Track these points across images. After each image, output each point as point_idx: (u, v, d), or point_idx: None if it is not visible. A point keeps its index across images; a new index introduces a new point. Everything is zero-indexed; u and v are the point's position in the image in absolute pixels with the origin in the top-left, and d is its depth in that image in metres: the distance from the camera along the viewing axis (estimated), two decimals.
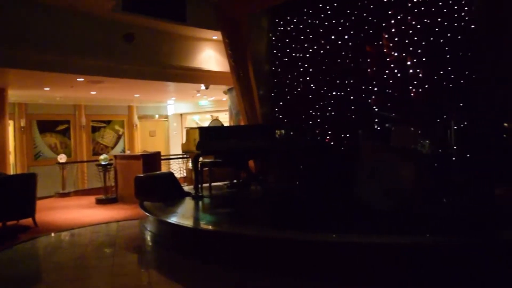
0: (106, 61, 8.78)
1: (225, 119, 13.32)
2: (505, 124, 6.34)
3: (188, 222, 5.50)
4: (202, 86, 11.58)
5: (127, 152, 14.67)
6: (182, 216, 5.87)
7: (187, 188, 7.87)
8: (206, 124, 14.43)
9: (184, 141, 7.44)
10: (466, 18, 6.68)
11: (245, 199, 7.33)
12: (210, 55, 10.23)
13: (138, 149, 16.54)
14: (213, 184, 7.71)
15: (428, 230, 4.41)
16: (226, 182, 8.35)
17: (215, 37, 9.68)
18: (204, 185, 7.67)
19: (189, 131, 7.17)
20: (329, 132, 7.51)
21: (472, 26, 6.59)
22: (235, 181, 8.16)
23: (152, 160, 9.42)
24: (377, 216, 5.05)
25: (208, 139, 6.80)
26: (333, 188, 6.65)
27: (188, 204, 6.74)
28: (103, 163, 9.67)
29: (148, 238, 6.09)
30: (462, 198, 4.45)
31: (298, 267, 4.14)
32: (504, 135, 6.34)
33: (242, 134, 7.15)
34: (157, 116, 18.13)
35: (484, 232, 3.96)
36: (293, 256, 4.21)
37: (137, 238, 6.35)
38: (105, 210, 8.47)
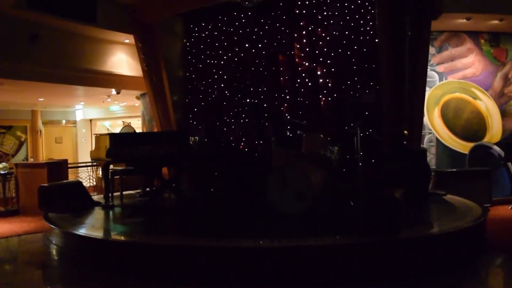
0: (6, 61, 8.13)
1: (137, 125, 12.97)
2: (405, 132, 6.86)
3: (98, 233, 5.25)
4: (113, 91, 11.17)
5: (30, 160, 13.69)
6: (91, 227, 5.59)
7: (97, 197, 7.52)
8: (117, 130, 13.94)
9: (93, 148, 7.12)
10: (371, 32, 7.15)
11: (158, 207, 7.17)
12: (122, 59, 9.88)
13: (43, 157, 15.50)
14: (125, 192, 7.44)
15: (336, 231, 4.61)
16: (138, 191, 8.11)
17: (127, 41, 9.38)
18: (115, 194, 7.39)
19: (99, 137, 6.88)
20: (243, 139, 7.61)
21: (376, 40, 7.07)
22: (148, 189, 7.95)
23: (58, 168, 8.88)
24: (288, 219, 5.20)
25: (119, 146, 6.56)
26: (247, 194, 6.73)
27: (97, 215, 6.44)
28: (1, 172, 8.98)
29: (54, 252, 5.71)
30: (367, 200, 4.72)
31: (214, 274, 4.12)
32: (404, 142, 6.85)
33: (155, 141, 7.00)
34: (64, 121, 17.14)
35: (386, 231, 4.24)
36: (209, 264, 4.18)
37: (42, 253, 5.91)
38: (5, 223, 7.80)
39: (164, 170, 8.25)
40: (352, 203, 5.43)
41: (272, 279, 4.02)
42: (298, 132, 6.48)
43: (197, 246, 4.36)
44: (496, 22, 7.97)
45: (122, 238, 5.16)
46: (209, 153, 7.34)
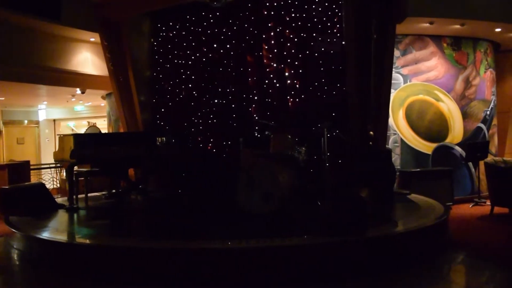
0: None
1: (103, 126, 12.75)
2: (371, 133, 6.98)
3: (62, 237, 5.10)
4: (78, 91, 10.94)
5: None
6: (54, 230, 5.43)
7: (60, 200, 7.32)
8: (82, 131, 13.65)
9: (57, 149, 6.94)
10: (338, 34, 7.25)
11: (125, 209, 7.04)
12: (87, 58, 9.67)
13: (4, 158, 15.00)
14: (90, 194, 7.27)
15: (304, 231, 4.65)
16: (104, 192, 7.95)
17: (92, 39, 9.18)
18: (80, 196, 7.22)
19: (63, 138, 6.71)
20: (211, 140, 7.58)
21: (343, 42, 7.18)
22: (113, 191, 7.80)
23: (20, 170, 8.62)
24: (256, 220, 5.21)
25: (84, 147, 6.41)
26: (214, 195, 6.71)
27: (61, 217, 6.27)
28: None
29: (15, 257, 5.52)
30: (334, 200, 4.78)
31: (181, 277, 4.08)
32: (370, 143, 6.98)
33: (121, 142, 6.87)
34: (26, 121, 16.64)
35: (353, 231, 4.31)
36: (176, 266, 4.14)
37: (2, 258, 5.71)
38: None
39: (131, 171, 8.13)
40: (319, 203, 5.48)
41: (240, 280, 4.02)
42: (266, 132, 6.50)
43: (164, 248, 4.31)
44: (457, 26, 8.23)
45: (87, 241, 5.05)
46: (177, 154, 7.26)
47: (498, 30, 8.70)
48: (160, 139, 7.11)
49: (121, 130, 8.96)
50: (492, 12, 8.17)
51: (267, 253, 4.12)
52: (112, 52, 8.18)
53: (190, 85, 7.86)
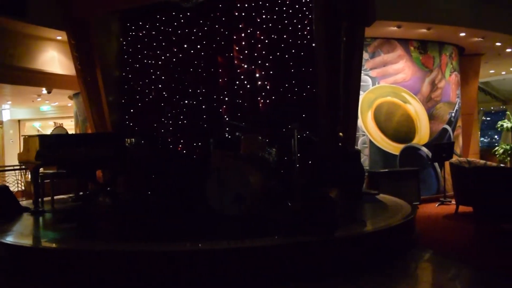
0: None
1: (70, 126, 12.48)
2: (340, 134, 7.07)
3: (27, 241, 4.96)
4: (44, 90, 10.66)
5: None
6: (19, 234, 5.26)
7: (25, 203, 7.11)
8: (48, 131, 13.31)
9: (22, 150, 6.74)
10: (308, 36, 7.31)
11: (92, 212, 6.89)
12: (54, 57, 9.43)
13: None
14: (56, 197, 7.10)
15: (274, 232, 4.66)
16: (71, 195, 7.77)
17: (59, 37, 8.96)
18: (46, 199, 7.04)
19: (28, 139, 6.55)
20: (181, 141, 7.51)
21: (313, 45, 7.24)
22: (81, 193, 7.64)
23: None
24: (227, 221, 5.20)
25: (49, 148, 6.24)
26: (185, 196, 6.65)
27: (26, 221, 6.09)
28: None
29: None
30: (303, 200, 4.82)
31: (151, 280, 4.03)
32: (340, 144, 7.06)
33: (89, 143, 6.71)
34: None
35: (322, 231, 4.35)
36: (145, 269, 4.08)
37: None
38: None
39: (99, 173, 7.97)
40: (289, 204, 5.51)
41: (211, 281, 4.00)
42: (237, 133, 6.49)
43: (133, 251, 4.24)
44: (424, 30, 8.44)
45: (53, 245, 4.91)
46: (146, 155, 7.16)
47: (462, 34, 8.97)
48: (129, 140, 6.98)
49: (89, 131, 8.78)
50: (457, 18, 8.42)
51: (238, 254, 4.11)
52: (80, 51, 7.99)
53: (160, 86, 7.77)
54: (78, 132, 11.18)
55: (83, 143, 6.67)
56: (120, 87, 8.07)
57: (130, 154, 6.89)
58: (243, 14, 7.44)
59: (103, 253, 4.29)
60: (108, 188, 7.56)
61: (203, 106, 7.44)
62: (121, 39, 8.10)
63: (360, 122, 8.41)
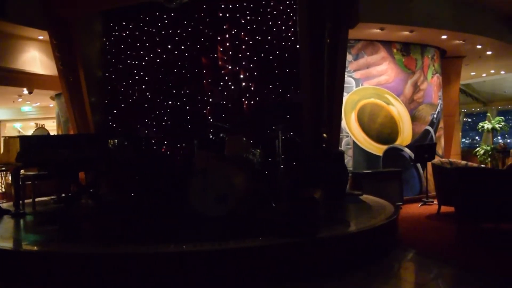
0: None
1: (52, 127, 12.30)
2: (324, 135, 7.11)
3: (7, 244, 4.85)
4: (25, 91, 10.50)
5: None
6: None
7: (6, 205, 6.98)
8: (29, 132, 13.10)
9: (2, 151, 6.62)
10: (292, 38, 7.34)
11: (75, 214, 6.81)
12: (35, 57, 9.29)
13: None
14: (37, 199, 6.99)
15: (258, 233, 4.66)
16: (53, 197, 7.65)
17: (41, 37, 8.83)
18: (27, 201, 6.92)
19: (9, 140, 6.40)
20: (165, 142, 7.47)
21: (297, 46, 7.27)
22: (63, 195, 7.53)
23: None
24: (211, 223, 5.18)
25: (31, 149, 6.14)
26: (168, 198, 6.61)
27: (7, 224, 5.97)
28: None
29: None
30: (288, 201, 4.84)
31: (134, 283, 3.99)
32: (323, 145, 7.10)
33: (71, 144, 6.63)
34: None
35: (306, 231, 4.37)
36: (129, 272, 4.04)
37: None
38: None
39: (81, 174, 7.87)
40: (273, 205, 5.52)
41: (194, 283, 3.98)
42: (221, 135, 6.48)
43: (116, 254, 4.19)
44: (407, 33, 8.53)
45: (34, 248, 4.83)
46: (129, 156, 7.10)
47: (444, 37, 9.10)
48: (112, 141, 6.91)
49: (71, 132, 8.67)
50: (439, 21, 8.54)
51: (222, 256, 4.10)
52: (62, 51, 7.89)
53: (143, 86, 7.71)
54: (60, 133, 11.04)
55: (65, 144, 6.59)
56: (103, 87, 7.99)
57: (113, 156, 6.83)
58: (228, 15, 7.44)
59: (86, 256, 4.23)
60: (91, 190, 7.49)
61: (187, 107, 7.41)
62: (104, 39, 8.02)
63: (343, 123, 8.47)
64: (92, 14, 8.05)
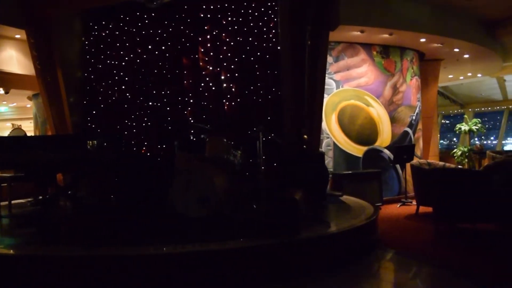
0: None
1: (29, 128, 12.09)
2: (305, 136, 7.14)
3: None
4: (1, 90, 10.30)
5: None
6: None
7: None
8: (6, 133, 12.85)
9: None
10: (273, 39, 7.36)
11: (52, 216, 6.68)
12: (12, 56, 9.11)
13: None
14: (14, 202, 6.86)
15: (239, 234, 4.65)
16: (30, 199, 7.51)
17: (18, 36, 8.67)
18: (3, 203, 6.78)
19: None
20: (145, 143, 7.40)
21: (278, 48, 7.29)
22: (40, 197, 7.39)
23: None
24: (192, 224, 5.15)
25: (6, 151, 6.01)
26: (149, 199, 6.55)
27: None
28: None
29: None
30: (269, 203, 4.84)
31: (116, 285, 3.94)
32: (304, 146, 7.14)
33: (49, 145, 6.51)
34: None
35: (287, 232, 4.38)
36: (110, 274, 3.99)
37: None
38: None
39: (59, 176, 7.74)
40: (254, 206, 5.52)
41: (177, 285, 3.95)
42: (202, 136, 6.45)
43: (96, 256, 4.14)
44: (386, 36, 8.65)
45: (10, 251, 4.73)
46: (109, 157, 7.01)
47: (423, 40, 9.25)
48: (91, 142, 6.82)
49: (49, 133, 8.52)
50: (418, 24, 8.68)
51: (203, 258, 4.08)
52: (40, 50, 7.75)
53: (123, 87, 7.62)
54: (37, 134, 10.85)
55: (42, 145, 6.47)
56: (81, 88, 7.87)
57: (92, 157, 6.74)
58: (209, 16, 7.41)
59: (64, 259, 4.16)
60: (69, 192, 7.37)
61: (168, 108, 7.36)
62: (83, 39, 7.90)
63: (324, 124, 8.53)
64: (71, 13, 7.93)
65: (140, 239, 4.80)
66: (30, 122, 12.43)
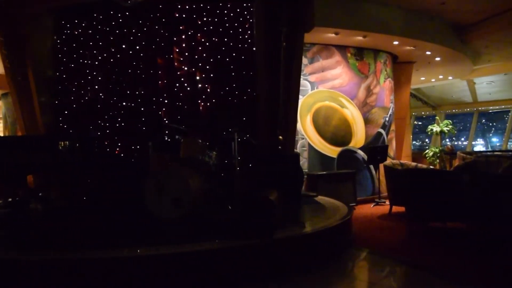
0: None
1: None
2: (280, 137, 7.17)
3: None
4: None
5: None
6: None
7: None
8: None
9: None
10: (249, 40, 7.36)
11: (22, 219, 6.51)
12: None
13: None
14: None
15: (214, 235, 4.63)
16: None
17: None
18: None
19: None
20: (119, 144, 7.30)
21: (254, 49, 7.30)
22: (10, 199, 7.19)
23: None
24: (166, 226, 5.10)
25: None
26: (122, 201, 6.45)
27: None
28: None
29: None
30: (243, 204, 4.83)
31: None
32: (279, 147, 7.16)
33: (19, 146, 6.36)
34: None
35: (262, 233, 4.39)
36: (81, 278, 3.91)
37: None
38: None
39: (30, 178, 7.56)
40: (229, 207, 5.51)
41: (151, 287, 3.91)
42: (176, 136, 6.40)
43: (67, 259, 4.05)
44: (360, 38, 8.75)
45: None
46: (81, 159, 6.89)
47: (396, 43, 9.40)
48: (62, 143, 6.68)
49: (19, 134, 8.31)
50: (391, 27, 8.82)
51: (178, 259, 4.05)
52: (10, 48, 7.55)
53: (96, 87, 7.51)
54: (7, 134, 10.58)
55: (12, 146, 6.30)
56: (53, 87, 7.70)
57: (64, 158, 6.60)
58: (184, 16, 7.36)
59: (34, 263, 4.07)
60: (40, 194, 7.20)
61: (142, 109, 7.28)
62: (55, 37, 7.74)
63: (299, 125, 8.58)
64: (43, 11, 7.75)
65: (114, 242, 4.72)
66: None
